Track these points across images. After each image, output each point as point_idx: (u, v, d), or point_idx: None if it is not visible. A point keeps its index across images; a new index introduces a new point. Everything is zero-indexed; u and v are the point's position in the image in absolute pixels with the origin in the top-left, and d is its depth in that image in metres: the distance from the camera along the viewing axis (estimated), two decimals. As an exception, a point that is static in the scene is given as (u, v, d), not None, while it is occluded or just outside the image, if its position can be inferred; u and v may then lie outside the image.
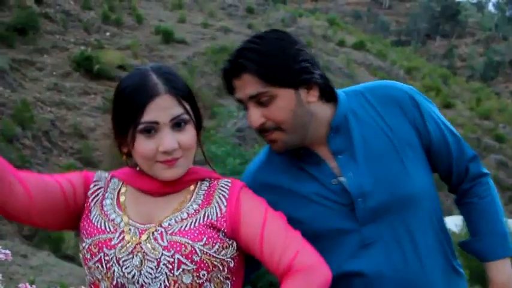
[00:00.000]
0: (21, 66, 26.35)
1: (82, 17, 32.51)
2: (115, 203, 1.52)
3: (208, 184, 1.53)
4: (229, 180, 1.52)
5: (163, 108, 1.44)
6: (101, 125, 24.90)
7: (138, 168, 1.54)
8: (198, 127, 1.51)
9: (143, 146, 1.44)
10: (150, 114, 1.43)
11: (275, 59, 1.54)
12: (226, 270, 1.45)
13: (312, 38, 45.29)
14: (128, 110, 1.44)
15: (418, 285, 1.61)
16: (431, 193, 1.68)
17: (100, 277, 1.44)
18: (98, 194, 1.54)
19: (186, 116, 1.47)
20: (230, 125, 22.79)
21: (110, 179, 1.58)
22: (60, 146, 23.05)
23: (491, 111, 46.86)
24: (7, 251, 2.72)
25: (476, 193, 1.72)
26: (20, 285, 2.71)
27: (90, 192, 1.54)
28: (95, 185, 1.55)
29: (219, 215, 1.46)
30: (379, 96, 1.67)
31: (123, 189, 1.54)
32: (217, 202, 1.48)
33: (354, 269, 1.59)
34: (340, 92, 1.68)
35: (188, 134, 1.47)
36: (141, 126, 1.43)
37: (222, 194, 1.49)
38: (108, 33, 32.96)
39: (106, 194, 1.54)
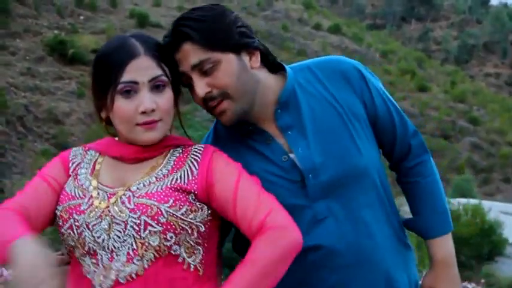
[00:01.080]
0: (-7, 50, 25.92)
1: (55, 0, 32.03)
2: (89, 172, 1.54)
3: (181, 150, 1.54)
4: (202, 146, 1.54)
5: (142, 68, 1.45)
6: (76, 110, 24.68)
7: (116, 138, 1.57)
8: (176, 92, 1.54)
9: (122, 107, 1.45)
10: (129, 74, 1.44)
11: (214, 24, 1.53)
12: (195, 234, 1.44)
13: (288, 21, 45.22)
14: (107, 71, 1.45)
15: (370, 257, 1.62)
16: (379, 166, 1.70)
17: (73, 244, 1.46)
18: (75, 169, 1.57)
19: (164, 78, 1.48)
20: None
21: (87, 151, 1.60)
22: (35, 132, 22.81)
23: (466, 94, 47.44)
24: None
25: (420, 172, 1.74)
26: None
27: (70, 171, 1.57)
28: (72, 163, 1.58)
29: (190, 177, 1.47)
30: (326, 70, 1.67)
31: (99, 160, 1.57)
32: (189, 166, 1.49)
33: (308, 244, 1.55)
34: (287, 67, 1.67)
35: (166, 96, 1.49)
36: (120, 86, 1.44)
37: (194, 158, 1.50)
38: (82, 17, 32.55)
39: (82, 164, 1.57)
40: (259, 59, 1.60)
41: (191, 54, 1.52)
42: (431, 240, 1.72)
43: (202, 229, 1.46)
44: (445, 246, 1.72)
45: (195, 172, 1.48)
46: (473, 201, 18.20)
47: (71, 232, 1.45)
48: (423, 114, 40.63)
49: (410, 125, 1.75)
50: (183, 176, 1.48)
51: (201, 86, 1.53)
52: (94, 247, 1.43)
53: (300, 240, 1.42)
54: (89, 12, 33.26)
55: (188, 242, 1.44)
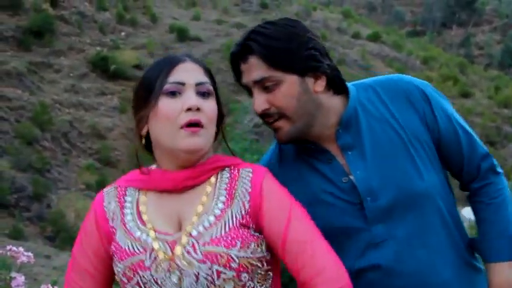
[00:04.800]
0: (38, 68, 26.58)
1: (97, 17, 32.71)
2: (136, 217, 1.46)
3: (228, 175, 1.47)
4: (251, 169, 1.47)
5: (189, 70, 1.45)
6: (119, 125, 25.05)
7: (153, 167, 1.51)
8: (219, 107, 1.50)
9: (167, 105, 1.42)
10: (175, 76, 1.43)
11: (282, 43, 1.50)
12: (265, 264, 1.42)
13: (326, 31, 45.08)
14: (153, 77, 1.45)
15: (430, 281, 1.58)
16: (443, 190, 1.64)
17: None
18: (114, 214, 1.50)
19: (210, 87, 1.46)
20: (247, 121, 22.80)
21: (125, 191, 1.52)
22: (79, 147, 23.23)
23: (510, 99, 46.35)
24: (30, 254, 2.75)
25: (488, 193, 1.67)
26: (42, 286, 2.74)
27: (110, 223, 1.50)
28: (108, 211, 1.50)
29: (243, 212, 1.42)
30: (389, 90, 1.63)
31: (142, 199, 1.49)
32: (241, 198, 1.43)
33: (364, 265, 1.56)
34: (349, 85, 1.64)
35: (211, 104, 1.45)
36: (166, 86, 1.42)
37: (245, 187, 1.44)
38: (123, 33, 33.13)
39: (124, 210, 1.49)
40: (324, 83, 1.56)
41: (255, 69, 1.51)
42: (491, 264, 1.64)
43: (269, 256, 1.43)
44: (502, 272, 1.62)
45: (247, 206, 1.42)
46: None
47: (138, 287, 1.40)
48: (467, 120, 39.77)
49: (481, 147, 1.68)
50: (238, 210, 1.42)
51: (259, 102, 1.52)
52: None
53: (350, 285, 1.39)
54: (129, 28, 33.83)
55: (260, 273, 1.41)
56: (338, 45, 43.20)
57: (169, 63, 1.45)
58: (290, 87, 1.51)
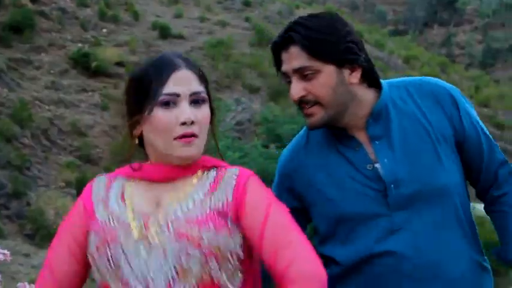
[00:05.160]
0: (18, 65, 26.29)
1: (78, 14, 32.43)
2: (119, 197, 1.51)
3: (215, 173, 1.51)
4: (238, 170, 1.51)
5: (184, 80, 1.46)
6: (100, 122, 24.89)
7: (149, 162, 1.53)
8: (211, 112, 1.54)
9: (162, 117, 1.44)
10: (171, 86, 1.44)
11: (323, 35, 1.60)
12: (236, 261, 1.42)
13: (309, 29, 45.11)
14: (147, 83, 1.45)
15: (440, 275, 1.63)
16: (462, 189, 1.71)
17: (108, 276, 1.43)
18: (100, 195, 1.53)
19: (205, 95, 1.50)
20: (229, 119, 22.79)
21: (114, 179, 1.56)
22: (60, 144, 23.03)
23: (491, 99, 46.82)
24: (6, 251, 2.71)
25: (508, 202, 1.72)
26: (19, 285, 2.70)
27: (93, 201, 1.53)
28: (95, 193, 1.54)
29: (224, 203, 1.45)
30: (420, 90, 1.72)
31: (128, 185, 1.53)
32: (224, 191, 1.46)
33: (381, 249, 1.63)
34: (384, 82, 1.74)
35: (205, 112, 1.49)
36: (162, 97, 1.44)
37: (230, 183, 1.48)
38: (105, 30, 32.89)
39: (110, 192, 1.53)
40: (359, 75, 1.66)
41: (295, 58, 1.62)
42: None
43: (241, 254, 1.44)
44: None
45: (230, 199, 1.45)
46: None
47: (107, 263, 1.42)
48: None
49: (500, 154, 1.74)
50: (219, 199, 1.45)
51: (297, 89, 1.63)
52: (131, 278, 1.39)
53: (324, 278, 1.37)
54: (111, 25, 33.59)
55: (229, 267, 1.41)
56: (321, 43, 43.23)
57: (165, 70, 1.45)
58: (327, 77, 1.61)
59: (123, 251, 1.41)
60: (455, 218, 1.68)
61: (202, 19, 38.30)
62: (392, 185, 1.63)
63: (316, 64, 1.61)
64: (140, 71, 1.50)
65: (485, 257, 1.76)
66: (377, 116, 1.68)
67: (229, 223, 1.43)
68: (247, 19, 40.21)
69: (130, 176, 1.54)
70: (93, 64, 27.90)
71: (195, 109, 1.46)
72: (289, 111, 22.94)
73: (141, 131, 1.50)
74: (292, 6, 49.43)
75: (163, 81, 1.44)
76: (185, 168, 1.49)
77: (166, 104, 1.44)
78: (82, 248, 1.50)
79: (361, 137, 1.68)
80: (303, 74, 1.62)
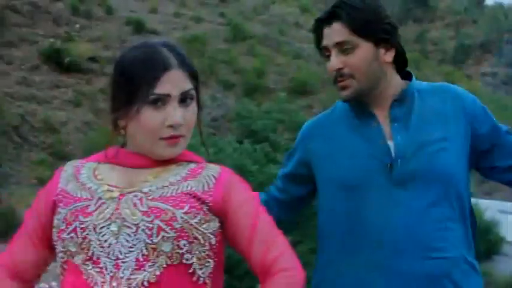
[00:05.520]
0: (-12, 60, 25.87)
1: (50, 8, 31.99)
2: (91, 175, 1.49)
3: (195, 165, 1.51)
4: (219, 167, 1.51)
5: (175, 81, 1.44)
6: (73, 119, 24.62)
7: (127, 149, 1.51)
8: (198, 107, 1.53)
9: (150, 118, 1.42)
10: (162, 87, 1.42)
11: (366, 14, 1.79)
12: (207, 246, 1.42)
13: (284, 25, 45.23)
14: (137, 80, 1.42)
15: (428, 256, 1.74)
16: (466, 185, 1.84)
17: (74, 249, 1.39)
18: (70, 176, 1.51)
19: (193, 92, 1.49)
20: (204, 115, 22.67)
21: (83, 165, 1.54)
22: (31, 141, 22.72)
23: (463, 95, 47.40)
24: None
25: None
26: None
27: (61, 182, 1.51)
28: (64, 175, 1.53)
29: (205, 188, 1.44)
30: (444, 91, 1.89)
31: (100, 166, 1.52)
32: (205, 178, 1.46)
33: (377, 221, 1.74)
34: (414, 79, 1.92)
35: (192, 111, 1.48)
36: (152, 97, 1.42)
37: (212, 174, 1.48)
38: (77, 25, 32.50)
39: (80, 172, 1.51)
40: (393, 55, 1.85)
41: (338, 33, 1.80)
42: None
43: (213, 242, 1.43)
44: None
45: (211, 186, 1.44)
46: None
47: (74, 235, 1.38)
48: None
49: (503, 126, 1.92)
50: (199, 185, 1.44)
51: (336, 62, 1.81)
52: (99, 252, 1.36)
53: (303, 278, 1.41)
54: (84, 20, 33.21)
55: (200, 253, 1.40)
56: (295, 40, 43.37)
57: (157, 70, 1.42)
58: (365, 52, 1.79)
59: (93, 225, 1.38)
60: (459, 211, 1.80)
61: (177, 14, 38.08)
62: (399, 160, 1.77)
63: (356, 40, 1.78)
64: (129, 63, 1.45)
65: (477, 263, 1.85)
66: (403, 99, 1.84)
67: (204, 209, 1.42)
68: (222, 14, 40.10)
69: (103, 160, 1.52)
70: (66, 60, 27.57)
71: (183, 109, 1.45)
72: (264, 107, 22.95)
73: (126, 124, 1.47)
74: (267, 1, 49.42)
75: (154, 81, 1.42)
76: (164, 161, 1.49)
77: (156, 104, 1.42)
78: (46, 230, 1.48)
79: (381, 116, 1.84)
80: (342, 48, 1.80)
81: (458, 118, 1.83)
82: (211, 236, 1.43)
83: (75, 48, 28.55)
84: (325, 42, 1.84)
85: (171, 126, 1.43)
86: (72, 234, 1.39)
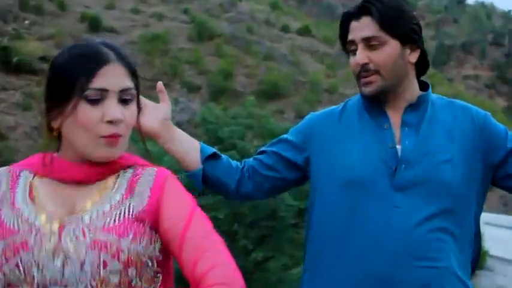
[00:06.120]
0: None
1: (-3, 3, 31.62)
2: (27, 198, 1.46)
3: (132, 171, 1.51)
4: (155, 169, 1.51)
5: (114, 75, 1.43)
6: (22, 124, 24.33)
7: (58, 153, 1.50)
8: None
9: (87, 114, 1.41)
10: (99, 81, 1.41)
11: (396, 12, 1.91)
12: (155, 265, 1.44)
13: (253, 23, 45.44)
14: (72, 75, 1.41)
15: (416, 265, 1.81)
16: (467, 200, 1.91)
17: (19, 282, 1.39)
18: (4, 196, 1.48)
19: (134, 92, 1.48)
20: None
21: (19, 174, 1.52)
22: (-24, 149, 22.40)
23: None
24: None
25: None
26: None
27: None
28: None
29: (142, 206, 1.45)
30: (457, 108, 2.00)
31: (35, 183, 1.49)
32: (141, 193, 1.47)
33: (374, 222, 1.84)
34: (430, 89, 2.04)
35: (132, 111, 1.48)
36: (88, 92, 1.40)
37: (147, 184, 1.48)
38: (27, 22, 32.19)
39: (15, 191, 1.48)
40: (417, 55, 1.96)
41: (366, 27, 1.90)
42: None
43: (160, 258, 1.45)
44: None
45: (146, 199, 1.45)
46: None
47: (17, 271, 1.38)
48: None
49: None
50: (137, 201, 1.45)
51: (362, 56, 1.91)
52: (46, 283, 1.37)
53: (242, 283, 1.40)
54: (34, 16, 32.91)
55: (149, 274, 1.43)
56: (265, 39, 43.60)
57: (94, 63, 1.42)
58: (391, 50, 1.90)
59: (35, 261, 1.38)
60: (458, 228, 1.88)
61: (136, 11, 38.01)
62: (403, 165, 1.87)
63: (384, 36, 1.89)
64: (65, 59, 1.45)
65: (470, 281, 1.90)
66: (417, 105, 1.96)
67: (147, 229, 1.43)
68: (185, 11, 40.16)
69: (39, 173, 1.50)
70: (14, 59, 27.28)
71: (123, 107, 1.45)
72: (231, 112, 22.97)
73: (60, 125, 1.46)
74: (234, -2, 49.56)
75: (91, 75, 1.41)
76: (102, 168, 1.48)
77: (93, 100, 1.42)
78: None
79: (394, 118, 1.95)
80: (369, 43, 1.90)
81: (467, 134, 1.94)
82: (159, 255, 1.45)
83: (25, 46, 28.29)
84: (352, 36, 1.95)
85: (110, 122, 1.42)
86: (14, 269, 1.39)
